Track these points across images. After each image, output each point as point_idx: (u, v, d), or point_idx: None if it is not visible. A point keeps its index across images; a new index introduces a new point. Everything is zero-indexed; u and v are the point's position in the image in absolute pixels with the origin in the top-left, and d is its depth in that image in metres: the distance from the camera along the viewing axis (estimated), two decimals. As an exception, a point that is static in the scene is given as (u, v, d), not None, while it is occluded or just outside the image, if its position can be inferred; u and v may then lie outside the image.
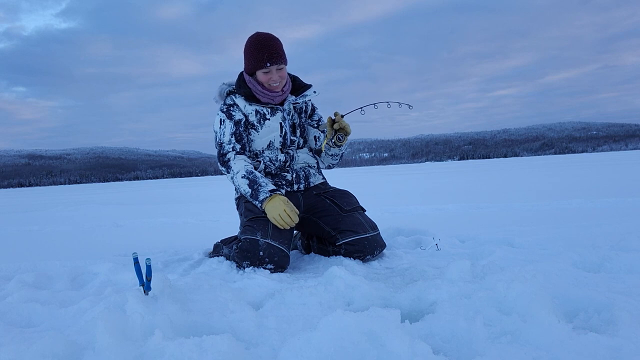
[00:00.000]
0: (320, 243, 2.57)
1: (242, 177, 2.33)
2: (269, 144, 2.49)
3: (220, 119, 2.46)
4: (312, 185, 2.62)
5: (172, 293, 1.82)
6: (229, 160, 2.39)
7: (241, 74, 2.51)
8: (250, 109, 2.45)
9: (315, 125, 2.68)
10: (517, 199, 5.94)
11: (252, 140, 2.50)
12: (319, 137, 2.63)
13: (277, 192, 2.29)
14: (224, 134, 2.44)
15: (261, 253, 2.17)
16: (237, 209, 2.63)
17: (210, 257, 2.73)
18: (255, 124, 2.45)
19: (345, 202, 2.49)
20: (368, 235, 2.35)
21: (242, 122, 2.44)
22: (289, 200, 2.27)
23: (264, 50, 2.33)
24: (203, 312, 1.65)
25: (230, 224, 4.98)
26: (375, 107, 2.48)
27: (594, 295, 1.59)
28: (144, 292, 1.78)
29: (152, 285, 1.81)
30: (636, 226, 3.24)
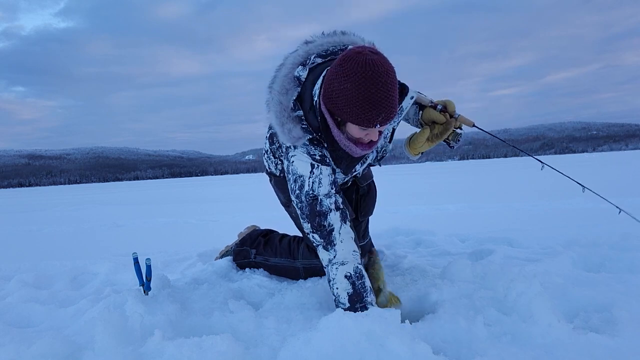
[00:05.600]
0: None
1: (345, 277, 1.60)
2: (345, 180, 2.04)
3: (311, 164, 1.70)
4: None
5: (172, 293, 1.82)
6: (332, 230, 1.65)
7: (321, 110, 1.63)
8: (341, 175, 1.88)
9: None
10: (517, 199, 5.95)
11: None
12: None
13: None
14: (319, 183, 1.68)
15: None
16: (285, 196, 2.10)
17: (233, 260, 2.37)
18: (340, 177, 1.92)
19: (364, 212, 2.23)
20: (361, 244, 2.30)
21: (335, 170, 1.81)
22: None
23: (379, 110, 1.48)
24: (203, 312, 1.65)
25: (230, 224, 4.98)
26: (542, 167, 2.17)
27: (594, 295, 1.59)
28: (144, 292, 1.78)
29: (152, 285, 1.81)
30: (636, 226, 3.24)
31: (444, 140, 1.93)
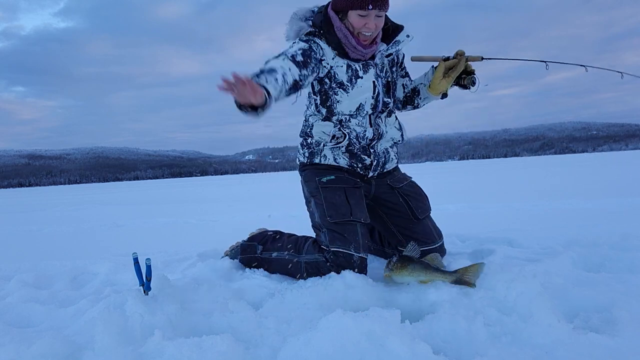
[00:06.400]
0: (377, 243, 2.49)
1: (265, 63, 1.91)
2: (359, 106, 2.15)
3: (293, 43, 2.09)
4: (385, 170, 2.35)
5: (172, 293, 1.82)
6: (279, 56, 1.95)
7: (326, 12, 2.08)
8: (340, 62, 2.09)
9: (404, 75, 2.36)
10: (517, 199, 5.94)
11: (338, 102, 2.13)
12: (407, 85, 2.36)
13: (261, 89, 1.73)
14: (291, 46, 2.04)
15: (356, 270, 2.04)
16: (308, 190, 2.25)
17: (239, 259, 2.38)
18: (345, 82, 2.10)
19: (419, 209, 2.34)
20: (436, 245, 2.30)
21: (319, 57, 2.07)
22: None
23: None
24: (203, 312, 1.65)
25: (230, 224, 4.98)
26: (547, 66, 2.24)
27: (594, 295, 1.59)
28: (144, 292, 1.78)
29: (152, 285, 1.81)
30: (636, 226, 3.24)
31: (461, 85, 2.19)
